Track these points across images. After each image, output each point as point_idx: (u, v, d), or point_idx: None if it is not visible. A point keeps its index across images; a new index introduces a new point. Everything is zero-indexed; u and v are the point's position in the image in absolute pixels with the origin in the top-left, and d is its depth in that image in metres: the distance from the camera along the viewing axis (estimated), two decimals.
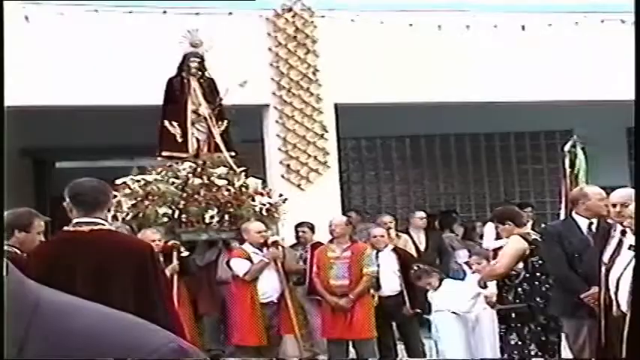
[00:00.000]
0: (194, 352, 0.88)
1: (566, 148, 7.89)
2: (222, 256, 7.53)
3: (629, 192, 5.53)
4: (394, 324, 7.90)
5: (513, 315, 6.22)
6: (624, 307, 4.70)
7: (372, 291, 7.51)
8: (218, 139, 7.74)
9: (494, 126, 12.20)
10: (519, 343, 6.24)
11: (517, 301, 6.23)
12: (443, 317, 6.82)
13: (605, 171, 9.15)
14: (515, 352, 6.24)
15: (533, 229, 9.81)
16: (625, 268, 4.78)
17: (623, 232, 5.08)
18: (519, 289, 6.23)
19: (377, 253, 7.60)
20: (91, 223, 3.70)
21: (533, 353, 6.22)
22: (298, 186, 9.01)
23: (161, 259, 6.61)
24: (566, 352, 6.22)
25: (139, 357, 0.82)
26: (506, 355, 6.29)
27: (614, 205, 5.24)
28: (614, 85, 9.71)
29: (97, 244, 3.71)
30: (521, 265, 6.21)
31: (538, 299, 6.09)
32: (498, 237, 7.77)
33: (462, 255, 9.58)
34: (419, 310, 7.65)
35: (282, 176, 9.01)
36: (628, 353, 4.63)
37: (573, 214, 6.15)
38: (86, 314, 0.88)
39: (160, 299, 3.69)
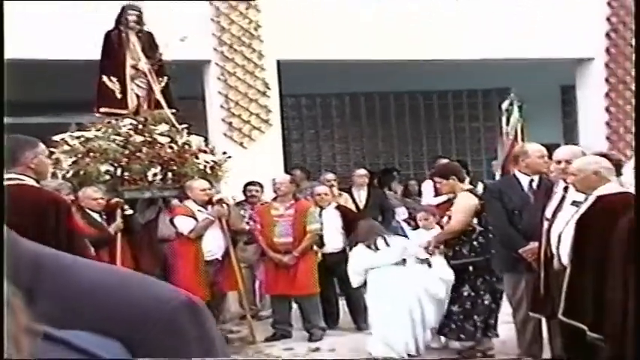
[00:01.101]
0: (201, 303, 0.88)
1: (504, 106, 8.02)
2: (163, 214, 7.46)
3: (572, 149, 5.68)
4: (336, 280, 8.00)
5: (471, 268, 6.38)
6: (565, 261, 4.84)
7: (315, 248, 7.59)
8: (159, 96, 7.60)
9: (432, 84, 12.32)
10: (472, 294, 6.42)
11: (472, 254, 6.38)
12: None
13: (540, 128, 9.35)
14: (469, 302, 6.42)
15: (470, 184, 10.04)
16: (567, 223, 4.91)
17: (566, 189, 5.21)
18: (475, 243, 6.39)
19: (320, 211, 7.66)
20: (7, 179, 3.63)
21: (487, 303, 6.43)
22: (241, 144, 8.96)
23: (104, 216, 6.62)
24: None
25: (153, 309, 0.81)
26: (457, 306, 6.45)
27: (559, 162, 5.33)
28: (550, 43, 9.90)
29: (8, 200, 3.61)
30: (475, 220, 6.36)
31: (493, 251, 6.26)
32: (436, 194, 7.91)
33: (400, 212, 9.71)
34: None
35: (225, 134, 8.95)
36: (566, 305, 4.78)
37: (514, 170, 6.28)
38: (89, 269, 0.87)
39: None
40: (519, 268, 5.85)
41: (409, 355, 6.52)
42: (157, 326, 0.81)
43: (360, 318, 7.79)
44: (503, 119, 7.71)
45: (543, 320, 5.75)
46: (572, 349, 5.41)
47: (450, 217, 6.47)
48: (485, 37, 9.81)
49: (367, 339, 7.21)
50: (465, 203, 6.40)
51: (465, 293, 6.41)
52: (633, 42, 10.24)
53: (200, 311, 0.86)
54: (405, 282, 6.56)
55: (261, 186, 8.23)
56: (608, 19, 10.39)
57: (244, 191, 8.35)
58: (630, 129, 10.40)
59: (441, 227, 6.64)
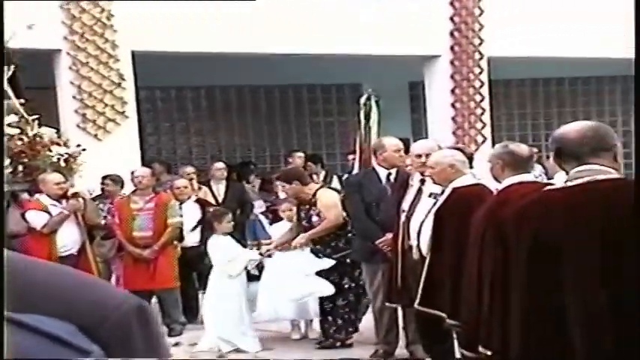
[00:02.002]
0: (149, 306, 0.91)
1: (362, 101, 8.20)
2: (11, 208, 7.15)
3: (429, 143, 5.91)
4: (195, 274, 7.96)
5: (348, 260, 6.49)
6: (425, 251, 5.04)
7: (175, 242, 7.50)
8: (5, 85, 7.26)
9: (288, 79, 12.43)
10: (353, 285, 6.53)
11: (348, 246, 6.49)
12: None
13: (390, 123, 9.65)
14: (351, 294, 6.54)
15: (325, 180, 10.22)
16: (426, 215, 5.12)
17: (422, 181, 5.42)
18: (350, 235, 6.51)
19: (180, 204, 7.59)
20: None
21: (361, 292, 6.54)
22: (95, 136, 8.70)
23: None
24: None
25: (106, 310, 0.83)
26: (341, 300, 6.54)
27: (419, 156, 5.49)
28: (399, 40, 10.23)
29: None
30: (344, 213, 6.49)
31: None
32: None
33: (258, 206, 9.75)
34: None
35: (78, 126, 8.65)
36: (425, 293, 4.99)
37: (374, 164, 6.46)
38: (42, 269, 0.87)
39: None
40: (376, 259, 6.00)
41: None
42: (108, 329, 0.82)
43: None
44: (362, 114, 7.90)
45: (399, 309, 5.97)
46: (428, 336, 5.66)
47: (318, 215, 6.56)
48: (338, 32, 9.98)
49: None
50: (330, 197, 6.54)
51: (346, 286, 6.51)
52: (476, 41, 10.79)
53: (149, 314, 0.89)
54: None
55: (113, 179, 8.01)
56: (451, 19, 10.84)
57: (102, 184, 8.11)
58: (474, 124, 10.94)
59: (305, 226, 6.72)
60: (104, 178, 8.04)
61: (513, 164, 4.13)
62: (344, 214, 6.46)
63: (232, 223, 6.97)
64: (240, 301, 6.68)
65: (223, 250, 6.75)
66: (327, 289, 6.39)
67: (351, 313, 6.55)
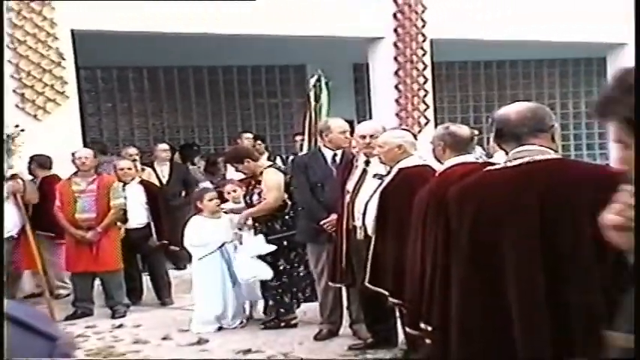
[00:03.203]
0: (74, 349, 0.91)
1: (312, 82, 8.18)
2: None
3: (374, 124, 5.94)
4: (139, 256, 7.91)
5: (285, 242, 6.52)
6: (369, 231, 5.10)
7: (118, 224, 7.43)
8: None
9: (232, 59, 12.34)
10: (287, 267, 6.57)
11: (285, 228, 6.53)
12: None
13: (335, 105, 9.67)
14: (285, 276, 6.57)
15: (269, 159, 10.21)
16: (371, 196, 5.17)
17: (367, 162, 5.47)
18: (287, 218, 6.54)
19: (124, 186, 7.51)
20: None
21: (302, 275, 6.61)
22: (35, 116, 8.49)
23: None
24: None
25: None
26: (274, 281, 6.58)
27: (364, 137, 5.51)
28: (342, 22, 10.24)
29: None
30: (285, 195, 6.51)
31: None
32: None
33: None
34: (165, 242, 7.72)
35: (17, 106, 8.43)
36: (370, 273, 5.05)
37: (320, 145, 6.49)
38: None
39: None
40: (321, 239, 6.04)
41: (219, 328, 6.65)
42: None
43: (163, 293, 7.77)
44: (311, 95, 7.89)
45: (343, 289, 6.03)
46: (372, 314, 5.75)
47: (259, 194, 6.58)
48: (282, 13, 9.93)
49: (172, 314, 7.28)
50: (274, 179, 6.54)
51: (281, 267, 6.54)
52: (419, 23, 10.85)
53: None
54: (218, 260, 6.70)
55: (45, 159, 7.86)
56: (394, 1, 10.87)
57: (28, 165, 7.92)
58: (417, 106, 11.04)
59: (247, 203, 6.72)
60: (31, 158, 7.88)
61: (455, 145, 4.20)
62: (285, 196, 6.49)
63: (216, 201, 6.91)
64: (216, 281, 6.68)
65: (194, 233, 6.75)
66: (267, 273, 6.45)
67: (284, 295, 6.58)
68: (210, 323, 6.66)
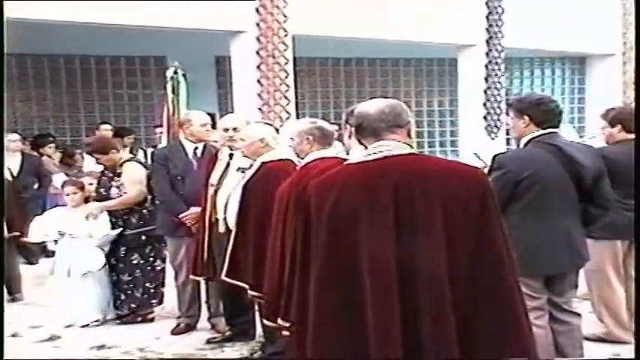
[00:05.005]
0: None
1: (169, 74, 8.08)
2: None
3: (237, 117, 5.95)
4: None
5: (143, 237, 6.41)
6: (231, 225, 5.10)
7: None
8: None
9: (90, 48, 11.97)
10: (142, 262, 6.47)
11: (142, 222, 6.42)
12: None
13: (197, 97, 9.58)
14: (139, 270, 6.47)
15: (131, 153, 10.02)
16: (234, 189, 5.17)
17: (231, 156, 5.47)
18: (145, 212, 6.43)
19: None
20: None
21: (159, 269, 6.56)
22: None
23: None
24: None
25: None
26: (127, 275, 6.47)
27: (226, 130, 5.52)
28: (205, 14, 10.14)
29: None
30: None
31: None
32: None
33: (58, 179, 9.39)
34: (17, 233, 7.41)
35: None
36: (230, 266, 5.06)
37: (180, 138, 6.43)
38: None
39: None
40: (180, 233, 6.01)
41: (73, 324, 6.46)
42: None
43: (14, 289, 7.53)
44: (169, 87, 7.78)
45: (202, 282, 6.01)
46: (231, 307, 5.76)
47: (118, 188, 6.45)
48: (143, 4, 9.72)
49: (23, 310, 7.02)
50: (136, 173, 6.44)
51: (135, 262, 6.47)
52: (281, 18, 10.91)
53: None
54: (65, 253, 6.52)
55: None
56: None
57: None
58: (279, 101, 11.10)
59: (104, 196, 6.57)
60: None
61: (322, 140, 4.29)
62: (145, 191, 6.41)
63: (76, 194, 6.71)
64: (68, 275, 6.51)
65: (49, 225, 6.57)
66: (99, 263, 6.40)
67: (136, 290, 6.50)
68: (63, 319, 6.46)
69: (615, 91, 15.60)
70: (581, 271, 4.59)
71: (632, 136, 5.19)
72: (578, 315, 4.38)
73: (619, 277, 5.37)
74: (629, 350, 5.21)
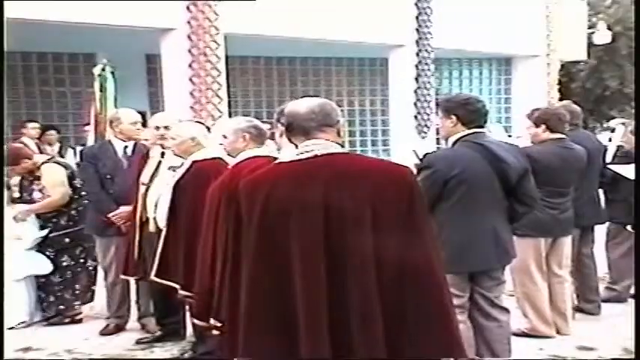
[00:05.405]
0: None
1: (97, 71, 7.94)
2: None
3: (169, 116, 5.91)
4: None
5: (70, 238, 6.32)
6: (162, 224, 5.06)
7: None
8: None
9: (16, 45, 11.63)
10: (72, 263, 6.37)
11: (71, 223, 6.32)
12: None
13: (127, 96, 9.45)
14: (69, 272, 6.37)
15: (60, 152, 9.84)
16: (165, 188, 5.12)
17: (162, 154, 5.43)
18: (73, 212, 6.34)
19: None
20: None
21: (90, 269, 6.51)
22: None
23: None
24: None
25: None
26: (57, 277, 6.36)
27: (158, 128, 5.50)
28: (136, 11, 10.02)
29: None
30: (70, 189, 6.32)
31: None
32: None
33: None
34: None
35: None
36: (160, 265, 5.02)
37: (110, 136, 6.34)
38: None
39: None
40: (109, 232, 5.95)
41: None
42: None
43: None
44: (96, 85, 7.64)
45: (132, 282, 5.95)
46: (161, 307, 5.72)
47: (40, 191, 6.35)
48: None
49: None
50: (55, 175, 6.35)
51: (65, 263, 6.39)
52: (212, 16, 10.85)
53: None
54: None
55: None
56: None
57: None
58: (211, 99, 11.03)
59: (27, 200, 6.46)
60: None
61: (257, 139, 4.30)
62: (70, 191, 6.32)
63: None
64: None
65: None
66: (46, 267, 6.28)
67: (65, 291, 6.43)
68: None
69: (540, 91, 16.03)
70: (507, 268, 4.70)
71: (556, 135, 5.36)
72: (507, 311, 4.49)
73: (542, 274, 5.52)
74: (552, 345, 5.38)
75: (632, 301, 6.57)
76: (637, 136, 4.16)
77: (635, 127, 4.20)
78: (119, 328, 6.11)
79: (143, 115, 6.67)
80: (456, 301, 4.09)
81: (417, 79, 13.58)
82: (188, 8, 10.64)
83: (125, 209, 5.73)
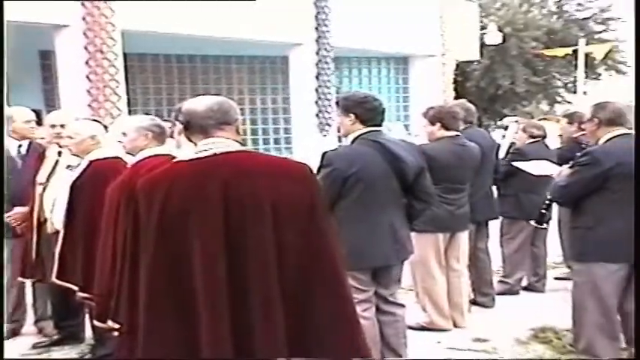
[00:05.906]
0: None
1: None
2: None
3: (65, 114, 5.76)
4: None
5: None
6: (58, 225, 4.94)
7: None
8: None
9: None
10: None
11: None
12: None
13: (21, 94, 9.17)
14: None
15: None
16: (62, 188, 5.00)
17: (60, 153, 5.29)
18: None
19: None
20: None
21: None
22: None
23: None
24: None
25: None
26: None
27: (53, 127, 5.38)
28: (25, 6, 9.71)
29: None
30: None
31: None
32: None
33: None
34: None
35: None
36: (59, 267, 4.90)
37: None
38: None
39: None
40: (7, 234, 5.76)
41: None
42: None
43: None
44: None
45: (29, 285, 5.79)
46: (60, 310, 5.58)
47: None
48: None
49: None
50: None
51: None
52: (107, 12, 10.62)
53: None
54: None
55: None
56: None
57: None
58: (109, 97, 10.82)
59: None
60: None
61: (158, 137, 4.26)
62: None
63: None
64: None
65: None
66: None
67: None
68: None
69: (436, 90, 16.45)
70: (407, 264, 4.81)
71: (451, 133, 5.52)
72: (403, 306, 4.59)
73: (441, 268, 5.67)
74: (449, 337, 5.54)
75: (524, 294, 6.85)
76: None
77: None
78: (14, 333, 5.93)
79: (38, 113, 6.49)
80: (361, 296, 4.18)
81: (317, 77, 13.71)
82: (83, 4, 10.40)
83: (20, 210, 5.56)
